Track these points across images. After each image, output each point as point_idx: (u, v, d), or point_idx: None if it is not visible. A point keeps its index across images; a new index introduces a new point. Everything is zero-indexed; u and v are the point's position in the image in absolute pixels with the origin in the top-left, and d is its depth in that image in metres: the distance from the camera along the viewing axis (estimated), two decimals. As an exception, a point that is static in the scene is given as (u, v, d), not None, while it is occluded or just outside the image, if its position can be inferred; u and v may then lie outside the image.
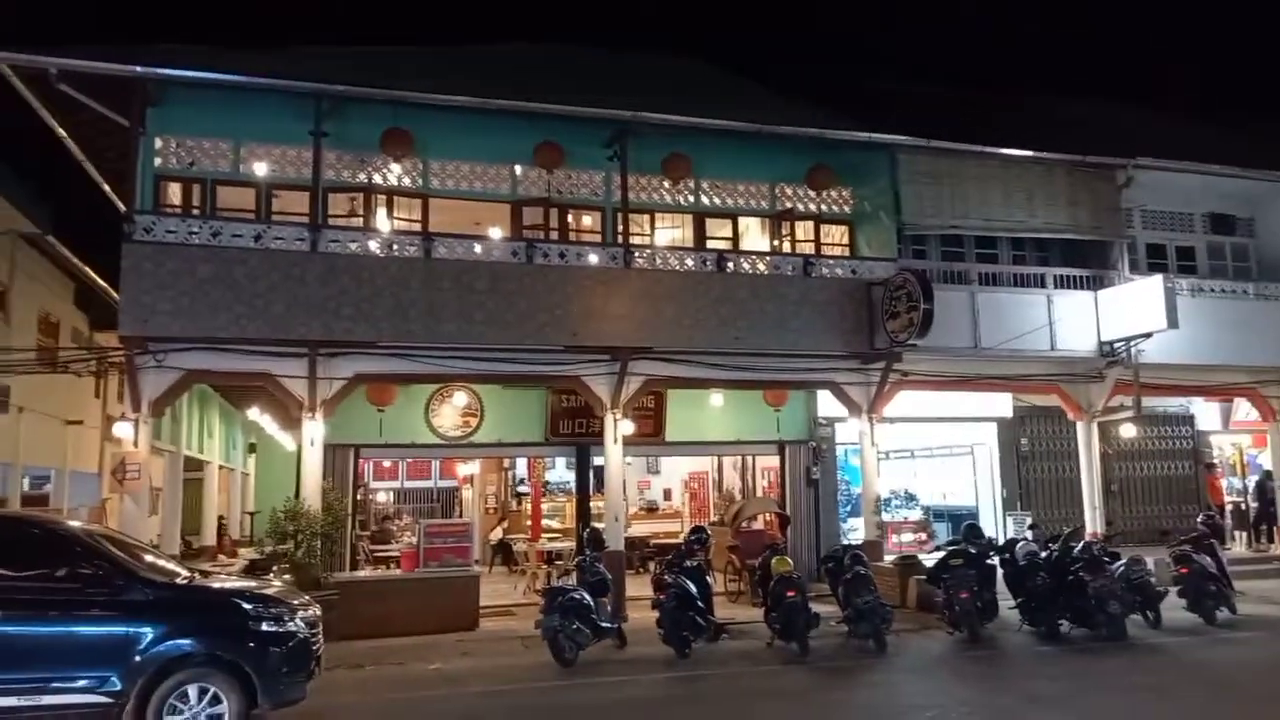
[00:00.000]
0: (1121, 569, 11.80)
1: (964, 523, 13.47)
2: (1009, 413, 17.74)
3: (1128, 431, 16.34)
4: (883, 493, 16.32)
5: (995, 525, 17.22)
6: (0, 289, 16.03)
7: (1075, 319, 15.43)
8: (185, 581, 7.64)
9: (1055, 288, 15.60)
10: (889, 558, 14.86)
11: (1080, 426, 16.32)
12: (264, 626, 7.24)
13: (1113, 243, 16.01)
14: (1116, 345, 15.34)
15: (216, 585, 7.98)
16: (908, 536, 16.77)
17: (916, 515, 17.79)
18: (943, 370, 15.27)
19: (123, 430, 11.93)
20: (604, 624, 10.94)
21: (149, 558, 7.87)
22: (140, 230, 11.64)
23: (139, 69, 11.67)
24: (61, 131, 12.77)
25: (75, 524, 8.12)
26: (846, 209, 15.84)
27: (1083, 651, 10.77)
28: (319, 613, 8.06)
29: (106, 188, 14.42)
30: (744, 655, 10.95)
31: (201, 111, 12.71)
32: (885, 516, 16.52)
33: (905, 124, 14.73)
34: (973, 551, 11.88)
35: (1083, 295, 15.64)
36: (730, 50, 48.90)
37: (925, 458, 19.44)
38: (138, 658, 6.86)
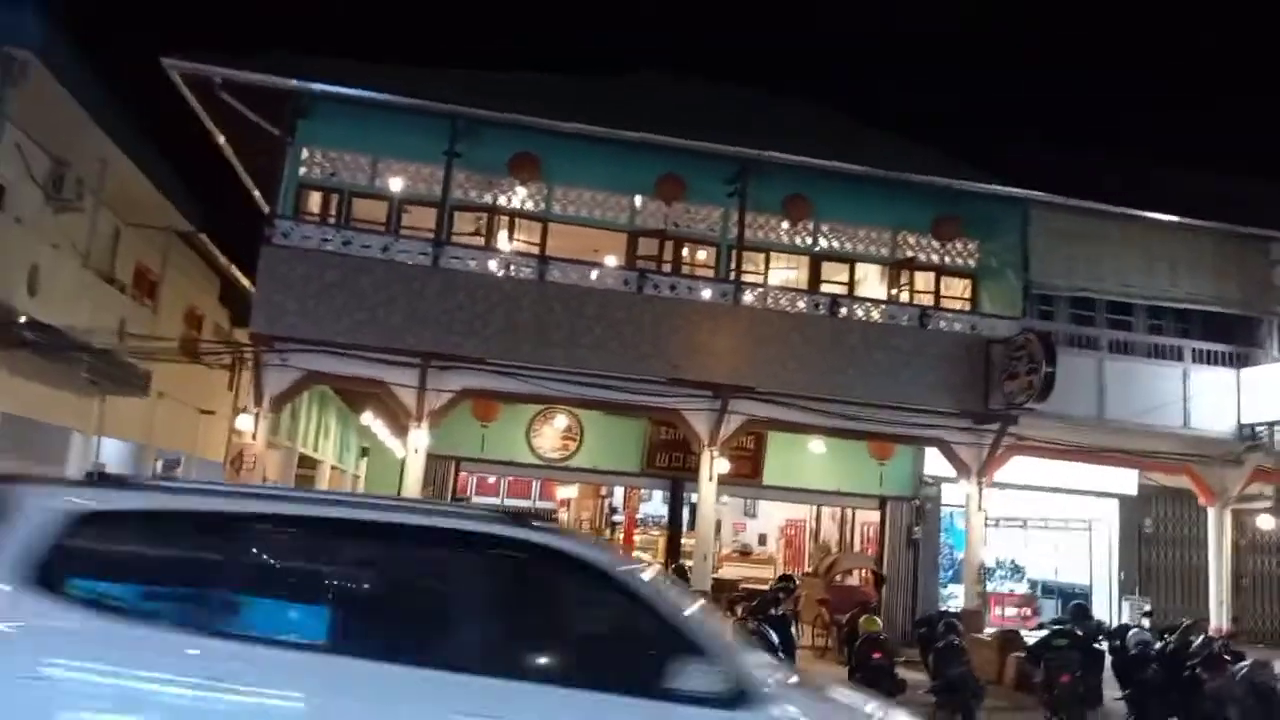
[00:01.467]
0: (1245, 671, 10.83)
1: (1072, 602, 12.70)
2: (1133, 490, 16.73)
3: (1265, 523, 15.16)
4: (988, 561, 15.61)
5: (1109, 608, 16.20)
6: (152, 280, 17.24)
7: (1213, 397, 14.46)
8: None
9: (1193, 362, 14.68)
10: (989, 630, 14.14)
11: (1212, 512, 15.23)
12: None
13: (1261, 319, 14.99)
14: (1258, 429, 14.28)
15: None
16: (1011, 610, 15.94)
17: (1023, 588, 16.91)
18: (1062, 438, 14.54)
19: (244, 422, 12.58)
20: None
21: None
22: (279, 234, 12.34)
23: (294, 82, 12.45)
24: (221, 137, 13.70)
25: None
26: (971, 262, 15.33)
27: (1194, 755, 9.93)
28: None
29: (256, 192, 15.35)
30: (823, 714, 10.56)
31: (345, 125, 13.39)
32: (989, 587, 15.78)
33: (1040, 180, 14.19)
34: (1079, 633, 11.17)
35: (1224, 372, 14.66)
36: (860, 97, 48.50)
37: (1038, 529, 18.50)
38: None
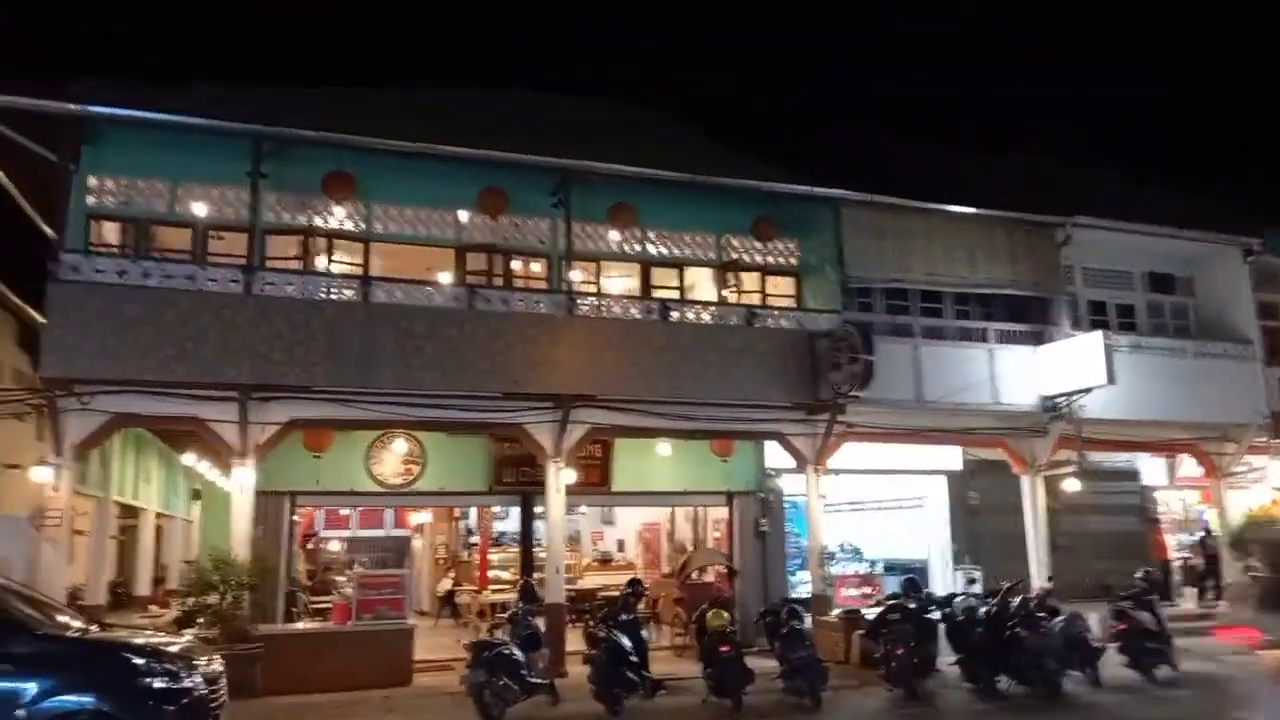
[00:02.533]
0: (1061, 625, 11.73)
1: (904, 577, 13.35)
2: (959, 466, 17.76)
3: (1072, 486, 16.38)
4: (831, 545, 16.20)
5: (945, 579, 17.12)
6: (-68, 328, 15.68)
7: (1017, 374, 15.58)
8: (77, 635, 7.31)
9: (997, 342, 15.79)
10: (835, 612, 14.68)
11: (1025, 480, 16.39)
12: (156, 682, 6.94)
13: (1054, 299, 16.24)
14: (1058, 400, 15.47)
15: (109, 639, 7.63)
16: (854, 591, 16.58)
17: (864, 569, 17.62)
18: (887, 423, 15.29)
19: (41, 474, 11.59)
20: (535, 679, 10.63)
21: (52, 611, 7.57)
22: (67, 269, 11.44)
23: (72, 106, 11.57)
24: (-5, 170, 12.58)
25: (-32, 572, 7.75)
26: (792, 260, 15.94)
27: (1019, 709, 10.65)
28: (221, 669, 7.75)
29: (45, 226, 14.17)
30: (678, 712, 10.71)
31: (138, 150, 12.56)
32: (835, 570, 16.37)
33: (849, 178, 14.94)
34: (911, 606, 11.77)
35: (1025, 350, 15.82)
36: (680, 99, 49.78)
37: (875, 510, 19.33)
38: (20, 714, 6.53)
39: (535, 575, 14.31)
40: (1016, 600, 12.00)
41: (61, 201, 11.91)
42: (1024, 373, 15.63)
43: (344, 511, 26.44)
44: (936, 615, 12.22)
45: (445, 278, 14.10)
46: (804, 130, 19.49)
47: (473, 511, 22.14)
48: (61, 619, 7.58)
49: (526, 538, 16.61)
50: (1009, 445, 16.29)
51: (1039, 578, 15.67)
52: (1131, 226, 16.45)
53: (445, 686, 12.05)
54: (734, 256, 15.57)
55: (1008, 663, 11.40)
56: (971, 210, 15.61)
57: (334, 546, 27.56)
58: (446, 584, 21.30)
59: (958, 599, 12.34)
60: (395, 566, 25.48)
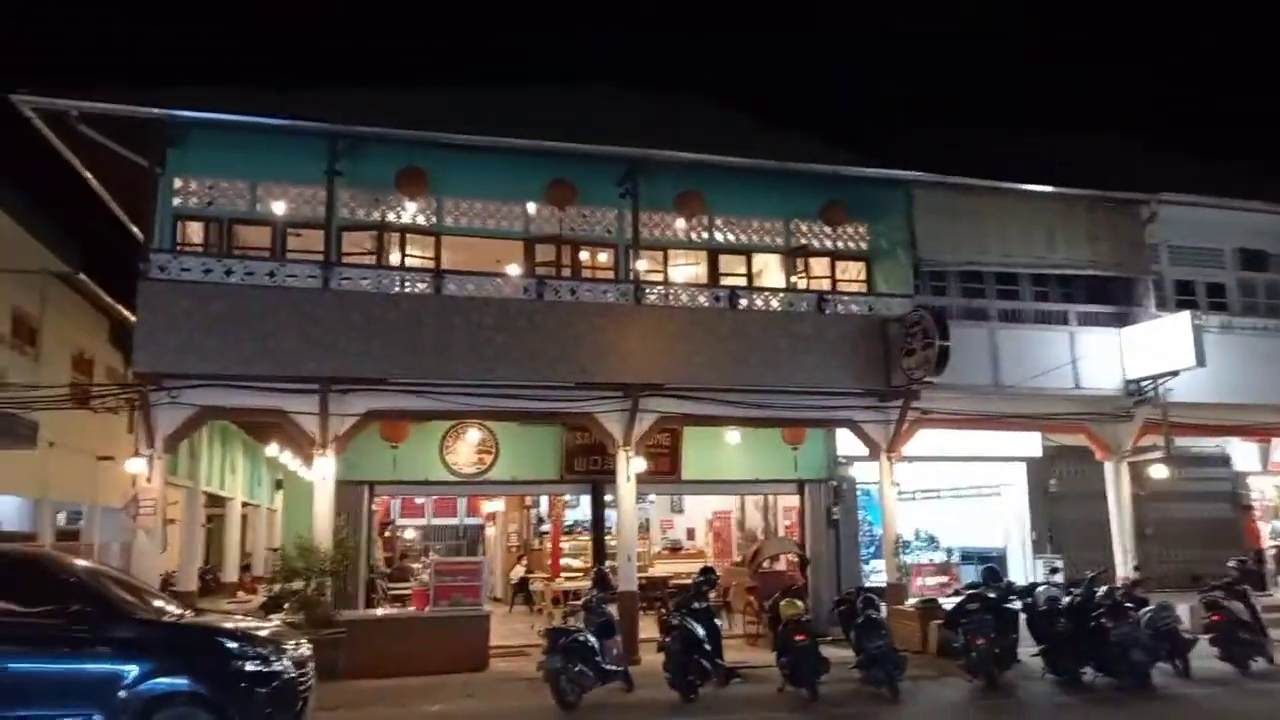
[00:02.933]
0: (1148, 615, 11.35)
1: (984, 566, 13.09)
2: (1038, 452, 17.30)
3: (1159, 472, 15.81)
4: (906, 534, 15.97)
5: (1024, 569, 16.74)
6: (31, 327, 16.45)
7: (1100, 357, 15.10)
8: (173, 620, 7.61)
9: (1078, 325, 15.32)
10: (910, 601, 14.48)
11: (1108, 467, 15.89)
12: (248, 666, 7.19)
13: (1138, 279, 15.68)
14: (1143, 384, 14.96)
15: (204, 624, 7.92)
16: (931, 580, 16.34)
17: (940, 558, 17.34)
18: (963, 408, 14.95)
19: (136, 466, 12.07)
20: (609, 666, 10.73)
21: (147, 596, 7.88)
22: (156, 269, 11.88)
23: (157, 110, 12.00)
24: (86, 173, 13.13)
25: (74, 561, 8.13)
26: (863, 245, 15.68)
27: (1104, 701, 10.35)
28: (309, 653, 7.99)
29: (134, 227, 14.76)
30: (753, 700, 10.68)
31: (220, 152, 12.96)
32: (909, 559, 16.15)
33: (921, 160, 14.62)
34: (990, 595, 11.53)
35: (1107, 333, 15.33)
36: (748, 92, 49.31)
37: (953, 498, 18.98)
38: (122, 694, 6.83)
39: (607, 563, 14.45)
40: (1102, 590, 11.66)
41: (149, 203, 12.37)
42: (1107, 356, 15.15)
43: (418, 500, 27.06)
44: (1017, 605, 11.94)
45: (514, 270, 14.25)
46: (870, 114, 19.12)
47: (544, 499, 22.40)
48: (157, 604, 7.88)
49: (598, 526, 16.76)
50: (1091, 430, 15.80)
51: (1124, 567, 15.20)
52: (1222, 201, 15.76)
53: (521, 672, 12.23)
54: (802, 242, 15.38)
55: (1093, 654, 11.09)
56: (1050, 189, 15.13)
57: (409, 534, 28.25)
58: (519, 571, 21.61)
59: (1040, 588, 12.04)
60: (468, 554, 26.04)
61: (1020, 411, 15.33)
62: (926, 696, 10.82)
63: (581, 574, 19.07)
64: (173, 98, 12.32)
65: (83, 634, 6.93)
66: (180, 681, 7.02)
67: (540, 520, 23.18)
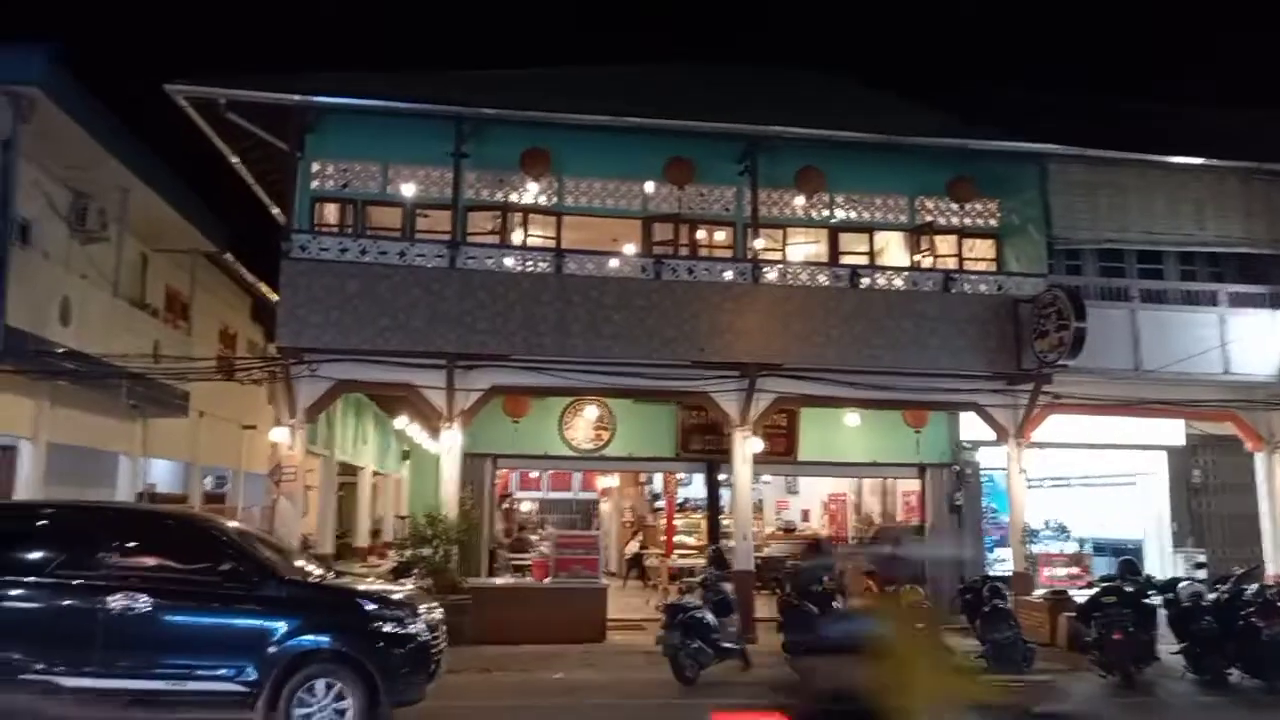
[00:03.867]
0: (1304, 616, 10.59)
1: (1121, 558, 12.50)
2: (1181, 441, 16.34)
3: (1316, 464, 14.75)
4: (1033, 523, 15.39)
5: (1161, 562, 15.90)
6: (183, 303, 17.57)
7: (1252, 340, 14.12)
8: (318, 580, 8.03)
9: (1229, 305, 14.32)
10: (1039, 592, 13.97)
11: (1259, 457, 14.93)
12: (386, 627, 7.51)
13: (1298, 258, 14.54)
14: (1302, 369, 13.89)
15: (345, 585, 8.33)
16: (1061, 570, 15.69)
17: (1071, 548, 16.63)
18: (1099, 393, 14.26)
19: (279, 435, 12.79)
20: (726, 644, 10.75)
21: (291, 557, 8.34)
22: (296, 248, 12.51)
23: (297, 97, 12.61)
24: (234, 157, 13.90)
25: (226, 522, 8.68)
26: (992, 222, 15.09)
27: (1252, 704, 9.77)
28: (441, 616, 8.30)
29: (275, 208, 15.57)
30: (872, 685, 10.52)
31: (354, 135, 13.53)
32: (1037, 548, 15.56)
33: (1056, 132, 13.90)
34: (1128, 589, 10.99)
35: (1262, 314, 14.32)
36: (870, 65, 47.89)
37: (1084, 487, 18.17)
38: (271, 650, 7.22)
39: (723, 542, 14.47)
40: (1252, 588, 10.95)
41: (290, 185, 13.01)
42: (1260, 339, 14.16)
43: (534, 474, 27.76)
44: (1156, 600, 11.34)
45: (631, 249, 14.35)
46: (1000, 86, 18.28)
47: (657, 477, 22.61)
48: (300, 565, 8.32)
49: (712, 504, 16.81)
50: (1240, 419, 14.84)
51: (1276, 563, 14.24)
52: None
53: (638, 645, 12.43)
54: (928, 219, 14.91)
55: (1240, 654, 10.44)
56: (1199, 161, 14.17)
57: (525, 507, 28.98)
58: (633, 547, 21.89)
59: (1182, 584, 11.39)
60: (583, 528, 26.54)
61: (1163, 397, 14.50)
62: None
63: (695, 551, 19.19)
64: (312, 84, 12.91)
65: (237, 591, 7.37)
66: (323, 639, 7.37)
67: (654, 497, 23.40)
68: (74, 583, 7.23)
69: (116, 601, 7.11)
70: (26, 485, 12.73)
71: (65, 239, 13.29)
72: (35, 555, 7.40)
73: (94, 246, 13.77)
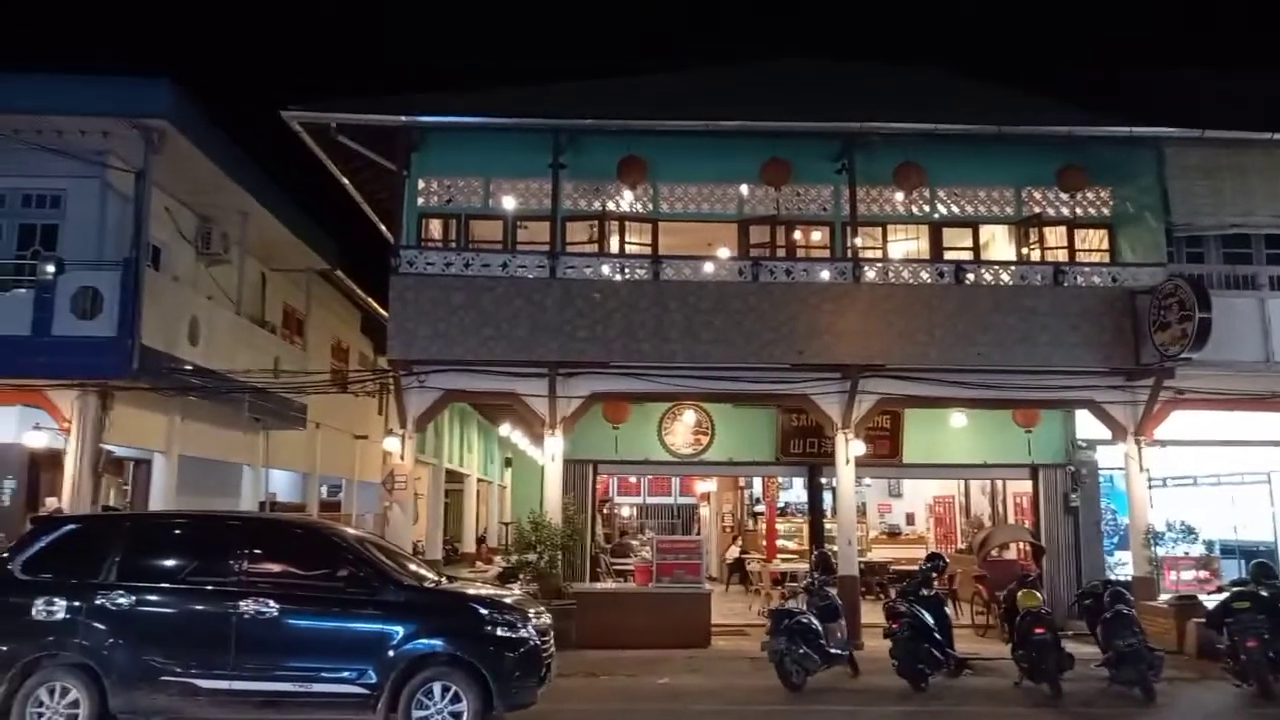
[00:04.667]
0: None
1: (1254, 561, 11.77)
2: (1316, 436, 15.31)
3: None
4: (1156, 524, 14.67)
5: (1299, 565, 14.91)
6: (299, 319, 18.41)
7: (1400, 326, 13.11)
8: (433, 586, 8.28)
9: (1368, 289, 13.37)
10: (1163, 597, 13.34)
11: None
12: (499, 631, 7.69)
13: None
14: None
15: (459, 590, 8.56)
16: (1187, 574, 14.88)
17: (1198, 550, 15.76)
18: (1227, 387, 13.51)
19: (391, 444, 13.25)
20: (833, 650, 10.63)
21: (406, 563, 8.62)
22: (404, 263, 12.95)
23: (404, 118, 13.07)
24: (343, 179, 14.51)
25: (345, 529, 9.05)
26: (1105, 211, 14.47)
27: None
28: (550, 621, 8.45)
29: (382, 225, 16.16)
30: (987, 694, 10.24)
31: (456, 152, 13.94)
32: (1160, 551, 14.81)
33: (1172, 114, 13.24)
34: (1263, 594, 10.36)
35: None
36: (972, 56, 46.50)
37: (1211, 485, 17.19)
38: (390, 653, 7.49)
39: (827, 547, 14.29)
40: (1402, 592, 10.18)
41: (397, 203, 13.49)
42: None
43: (632, 479, 27.99)
44: (1293, 605, 10.67)
45: (725, 252, 14.32)
46: (1106, 67, 17.50)
47: (757, 481, 22.48)
48: (414, 569, 8.59)
49: (815, 508, 16.60)
50: (1386, 412, 13.81)
51: None
52: None
53: (743, 651, 12.39)
54: (1036, 211, 14.41)
55: (1392, 665, 9.73)
56: (1331, 136, 13.28)
57: (625, 512, 29.24)
58: (734, 551, 21.83)
59: (1323, 588, 10.68)
60: (682, 532, 26.60)
61: (1296, 391, 13.65)
62: (1186, 701, 9.95)
63: (797, 556, 19.01)
64: (417, 105, 13.35)
65: (358, 596, 7.67)
66: (438, 643, 7.60)
67: (755, 501, 23.27)
68: (207, 589, 7.66)
69: (247, 606, 7.50)
70: (160, 495, 13.57)
71: (192, 261, 14.13)
72: (172, 562, 7.86)
73: (217, 268, 14.61)
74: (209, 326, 13.51)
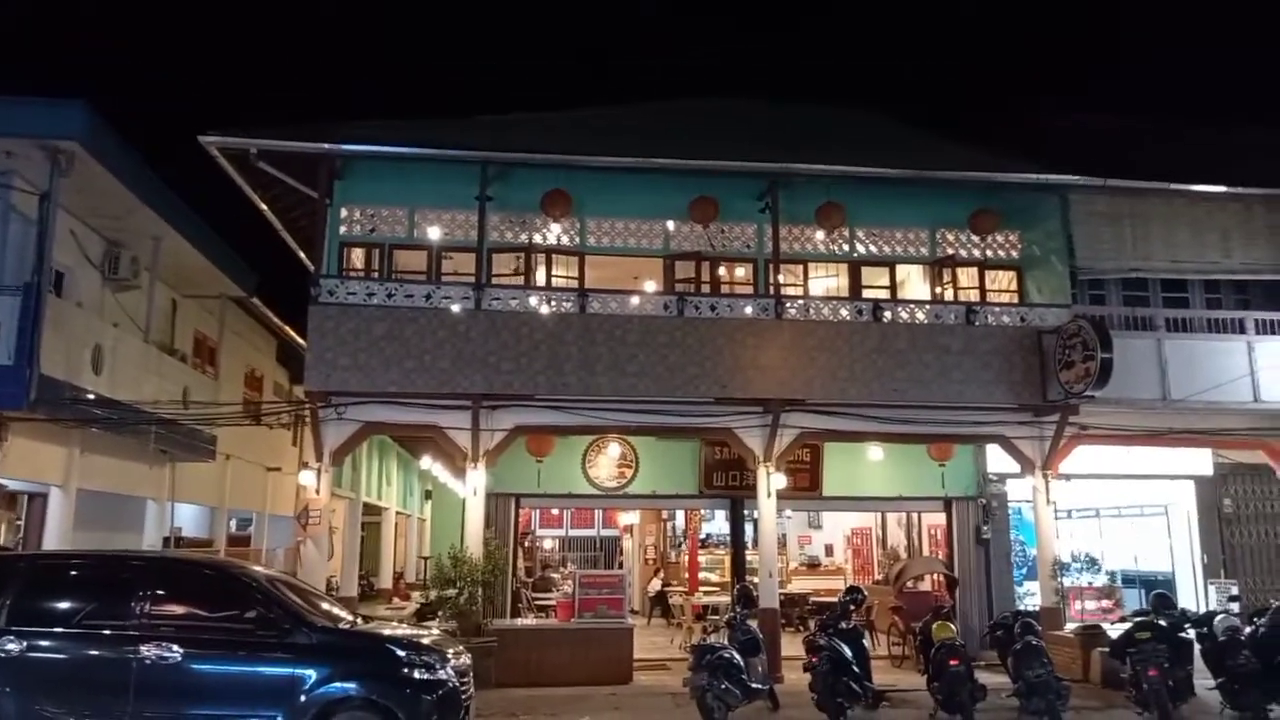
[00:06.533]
0: (1347, 651, 10.38)
1: (1154, 591, 12.29)
2: (1209, 470, 16.14)
3: (1353, 493, 14.53)
4: (1062, 555, 15.21)
5: (1194, 594, 15.64)
6: (211, 347, 17.81)
7: (1283, 367, 13.95)
8: (348, 626, 8.05)
9: (1256, 333, 14.19)
10: (1070, 626, 13.79)
11: (1293, 487, 14.65)
12: (416, 674, 7.52)
13: (1327, 282, 14.41)
14: (1335, 396, 13.72)
15: (374, 631, 8.34)
16: (1091, 604, 15.43)
17: (1101, 580, 16.38)
18: (1127, 424, 14.15)
19: (306, 478, 12.87)
20: (755, 684, 10.65)
21: (319, 602, 8.36)
22: (325, 293, 12.68)
23: (326, 146, 12.85)
24: (263, 205, 14.17)
25: (255, 569, 8.74)
26: (1014, 253, 15.09)
27: (1297, 744, 9.53)
28: (469, 661, 8.30)
29: (301, 253, 15.81)
30: (904, 726, 10.40)
31: (380, 181, 13.77)
32: (1066, 581, 15.34)
33: (1079, 162, 13.93)
34: (1163, 624, 10.80)
35: (1292, 341, 14.14)
36: (887, 97, 48.22)
37: (1112, 518, 17.93)
38: (302, 698, 7.24)
39: (749, 579, 14.38)
40: (1290, 621, 10.74)
41: (319, 231, 13.20)
42: (1290, 366, 13.98)
43: (555, 512, 27.73)
44: (1191, 634, 11.17)
45: (651, 286, 14.44)
46: (1018, 115, 18.35)
47: (679, 513, 22.55)
48: (326, 608, 8.33)
49: (737, 541, 16.70)
50: (1273, 447, 14.65)
51: (1314, 597, 13.95)
52: None
53: (664, 686, 12.33)
54: (949, 252, 14.93)
55: (1281, 690, 10.23)
56: (1223, 189, 14.13)
57: (548, 545, 28.92)
58: (656, 584, 21.79)
59: (1218, 617, 11.21)
60: (605, 565, 26.43)
61: (1191, 427, 14.37)
62: (1093, 730, 10.25)
63: (719, 588, 19.08)
64: (340, 133, 13.16)
65: (267, 639, 7.41)
66: (352, 686, 7.38)
67: (676, 534, 23.31)
68: (106, 633, 7.31)
69: (149, 651, 7.17)
70: (57, 532, 12.88)
71: (98, 287, 13.56)
72: (69, 605, 7.49)
73: (125, 294, 14.03)
74: (114, 355, 12.94)
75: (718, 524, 23.05)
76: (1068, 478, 14.47)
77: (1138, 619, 11.21)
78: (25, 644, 7.17)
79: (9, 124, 11.02)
